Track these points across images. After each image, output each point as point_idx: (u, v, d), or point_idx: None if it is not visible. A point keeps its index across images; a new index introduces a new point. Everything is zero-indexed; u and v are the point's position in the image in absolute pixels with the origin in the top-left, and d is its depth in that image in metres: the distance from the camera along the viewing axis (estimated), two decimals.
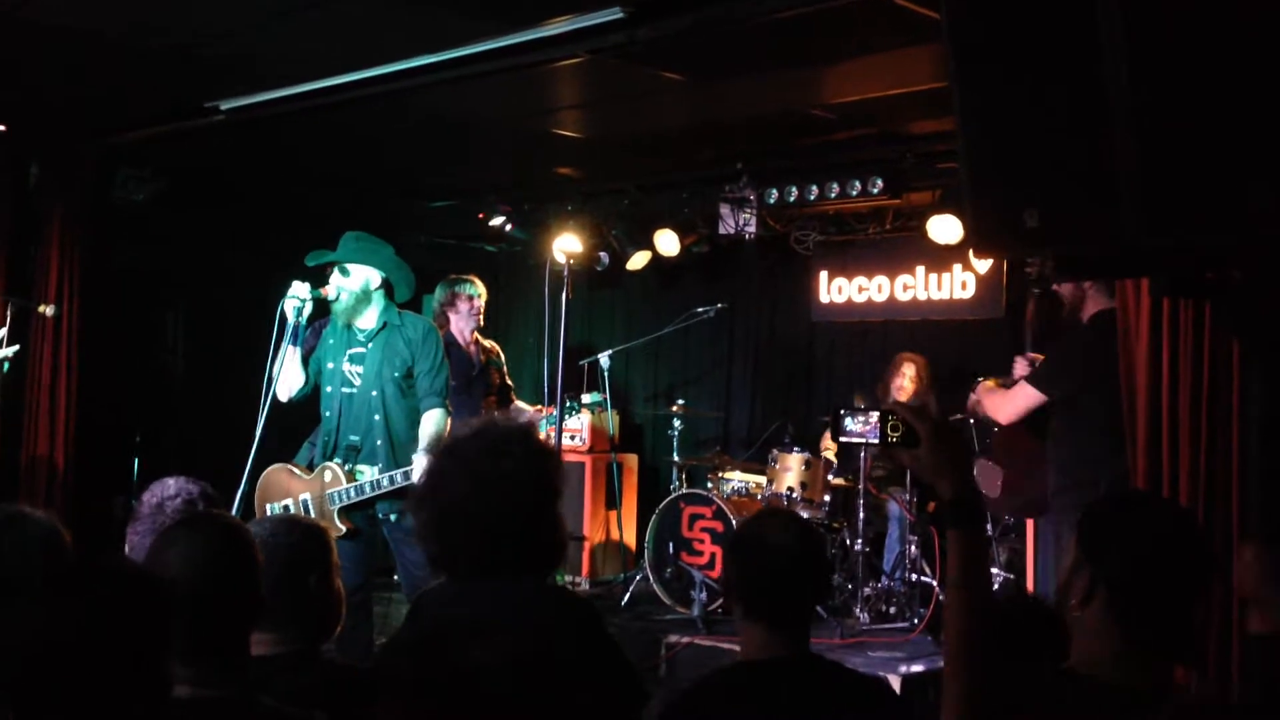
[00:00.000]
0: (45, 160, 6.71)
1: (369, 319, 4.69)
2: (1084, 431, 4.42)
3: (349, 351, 4.70)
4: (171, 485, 2.71)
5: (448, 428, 4.68)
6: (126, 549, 2.71)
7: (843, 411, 2.11)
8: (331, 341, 4.76)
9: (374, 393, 4.61)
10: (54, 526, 2.43)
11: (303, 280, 4.58)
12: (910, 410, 1.98)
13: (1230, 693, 3.66)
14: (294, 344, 4.57)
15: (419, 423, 4.65)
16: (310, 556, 2.39)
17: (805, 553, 2.37)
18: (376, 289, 4.69)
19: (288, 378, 4.63)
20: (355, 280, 4.64)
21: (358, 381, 4.65)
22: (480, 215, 8.04)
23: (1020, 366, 4.83)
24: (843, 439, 2.13)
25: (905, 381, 6.67)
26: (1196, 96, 2.58)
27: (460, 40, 4.73)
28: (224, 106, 5.78)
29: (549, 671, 1.50)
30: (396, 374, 4.63)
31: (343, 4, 4.29)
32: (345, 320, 4.67)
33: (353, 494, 4.53)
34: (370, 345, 4.66)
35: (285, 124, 5.97)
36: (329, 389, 4.71)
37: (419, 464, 4.45)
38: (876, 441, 2.04)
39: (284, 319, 4.51)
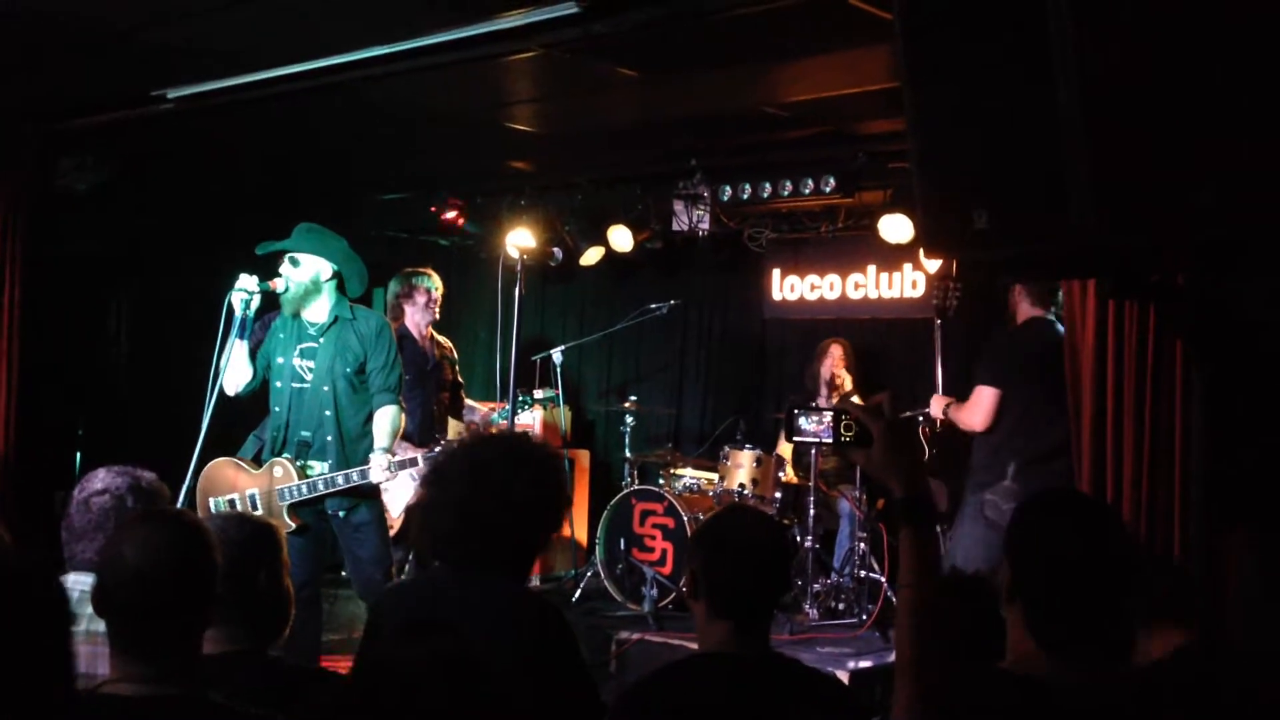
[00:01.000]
0: None
1: (319, 312, 4.63)
2: (1001, 424, 4.74)
3: (300, 346, 4.64)
4: (100, 480, 2.63)
5: (401, 424, 4.65)
6: (62, 544, 2.65)
7: (797, 411, 2.12)
8: (282, 335, 4.68)
9: (325, 388, 4.55)
10: None
11: (250, 273, 4.51)
12: (863, 409, 1.99)
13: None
14: (241, 337, 4.51)
15: (370, 418, 4.61)
16: (260, 554, 2.36)
17: (772, 549, 2.38)
18: (327, 280, 4.62)
19: (235, 371, 4.57)
20: (305, 271, 4.57)
21: (309, 376, 4.59)
22: (432, 208, 7.98)
23: (936, 404, 5.17)
24: (797, 439, 2.14)
25: (837, 364, 6.76)
26: (1146, 97, 2.61)
27: (414, 32, 4.69)
28: (171, 95, 5.69)
29: (487, 675, 1.49)
30: (349, 369, 4.58)
31: None
32: (292, 311, 4.61)
33: (304, 490, 4.48)
34: (322, 340, 4.60)
35: (234, 113, 5.88)
36: (279, 384, 4.64)
37: (376, 463, 4.42)
38: (830, 441, 2.04)
39: (231, 312, 4.45)
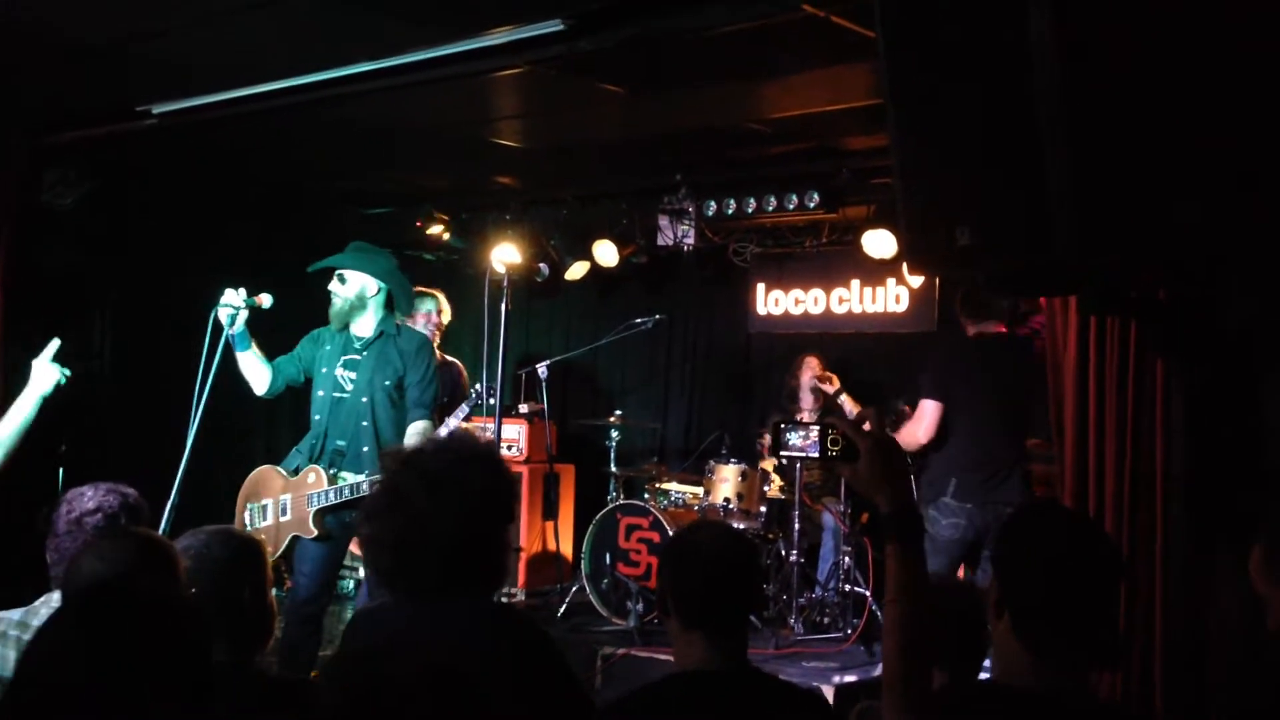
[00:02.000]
0: None
1: (365, 327, 4.77)
2: (946, 438, 4.90)
3: (344, 358, 4.78)
4: (89, 499, 2.62)
5: (429, 435, 4.71)
6: (49, 563, 2.64)
7: (783, 426, 2.13)
8: (328, 347, 4.83)
9: (364, 399, 4.65)
10: None
11: (235, 288, 4.55)
12: (849, 424, 2.01)
13: (1154, 694, 3.76)
14: (240, 350, 4.60)
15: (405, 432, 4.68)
16: (244, 570, 2.36)
17: (737, 559, 2.37)
18: (373, 297, 4.77)
19: (255, 376, 4.75)
20: (351, 287, 4.74)
21: (349, 387, 4.72)
22: (418, 223, 7.99)
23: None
24: (783, 454, 2.15)
25: (811, 371, 6.78)
26: (1127, 118, 2.64)
27: (400, 48, 4.71)
28: (156, 110, 5.69)
29: (471, 693, 1.49)
30: (388, 383, 4.69)
31: (280, 8, 4.25)
32: (340, 325, 4.76)
33: (331, 496, 4.55)
34: (365, 353, 4.75)
35: (219, 128, 5.88)
36: (320, 393, 4.77)
37: None
38: (816, 456, 2.06)
39: (218, 327, 4.47)
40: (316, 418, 4.75)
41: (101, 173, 6.86)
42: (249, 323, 4.61)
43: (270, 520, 4.69)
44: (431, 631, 2.16)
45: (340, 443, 4.68)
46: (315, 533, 4.53)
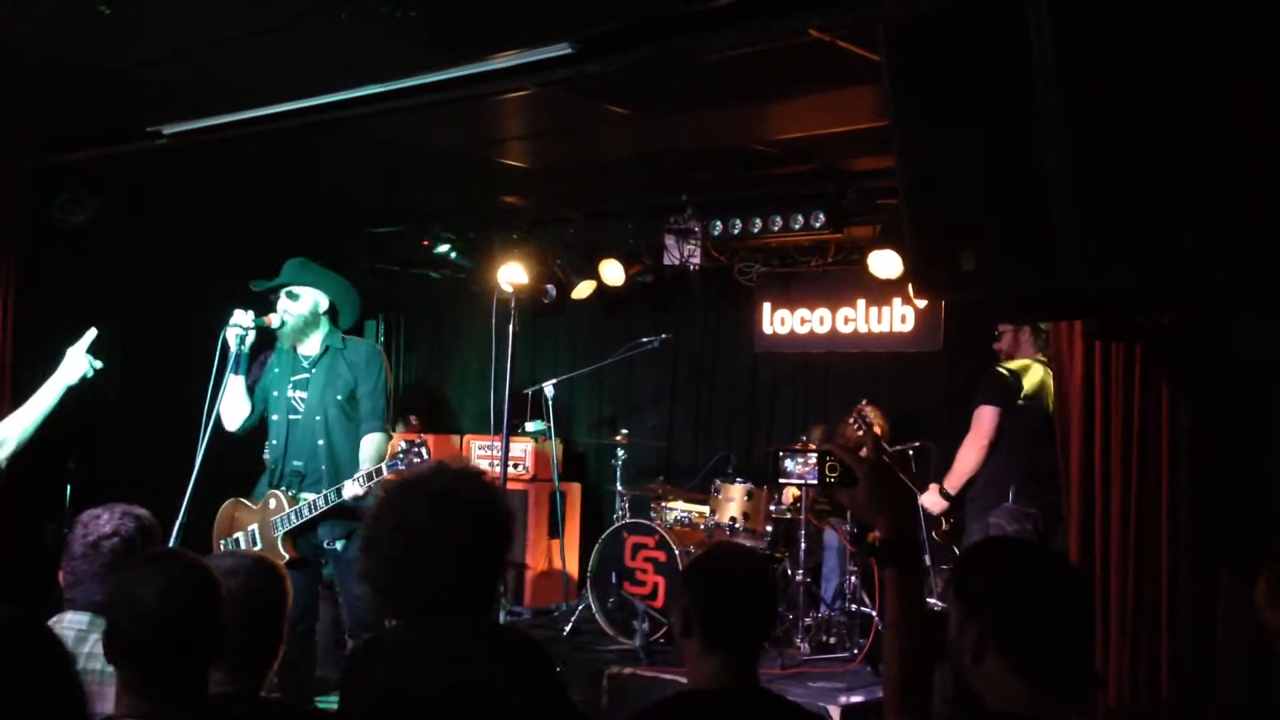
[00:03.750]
0: None
1: (313, 344, 4.70)
2: (999, 448, 5.17)
3: (294, 378, 4.71)
4: (105, 522, 2.64)
5: (387, 450, 4.67)
6: (62, 584, 2.66)
7: (781, 453, 2.16)
8: (277, 370, 4.75)
9: (317, 417, 4.60)
10: None
11: (245, 309, 4.56)
12: (847, 451, 2.03)
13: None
14: (237, 373, 4.55)
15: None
16: (276, 599, 2.38)
17: (766, 583, 2.42)
18: (324, 313, 4.71)
19: (234, 407, 4.62)
20: (304, 304, 4.67)
21: (302, 407, 4.64)
22: (425, 242, 8.02)
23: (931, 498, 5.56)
24: (782, 480, 2.17)
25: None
26: (1132, 143, 2.67)
27: (409, 71, 4.74)
28: (166, 131, 5.73)
29: (493, 705, 1.51)
30: (339, 397, 4.62)
31: (291, 32, 4.28)
32: (291, 343, 4.67)
33: (292, 518, 4.50)
34: (314, 370, 4.66)
35: (229, 148, 5.92)
36: (275, 416, 4.71)
37: (349, 485, 4.41)
38: (815, 482, 2.08)
39: (226, 348, 4.49)
40: (274, 442, 4.71)
41: (111, 192, 6.91)
42: (253, 345, 4.59)
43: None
44: (443, 650, 2.18)
45: (298, 463, 4.64)
46: (286, 557, 4.50)
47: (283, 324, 4.62)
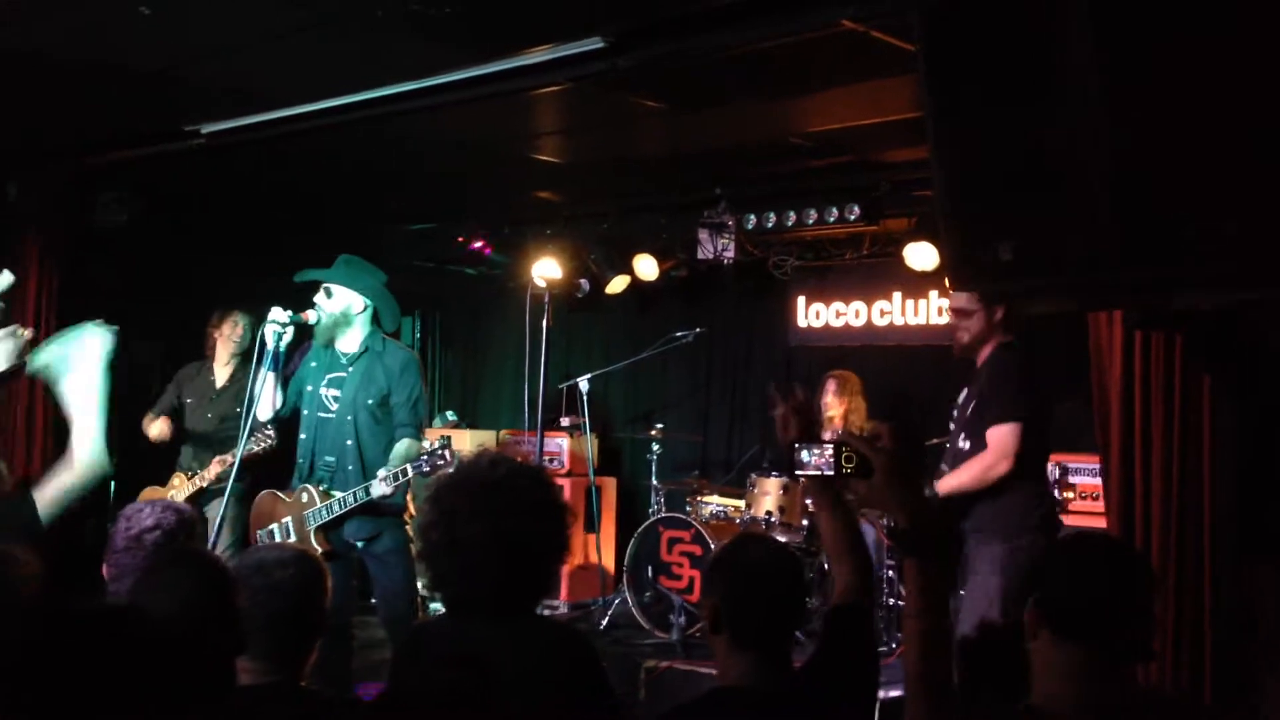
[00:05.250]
0: (23, 181, 6.68)
1: (350, 343, 4.71)
2: (1022, 464, 4.15)
3: (329, 376, 4.72)
4: (148, 516, 2.69)
5: (417, 453, 4.64)
6: (106, 579, 2.70)
7: (798, 445, 2.15)
8: (314, 364, 4.78)
9: (349, 417, 4.61)
10: (29, 564, 2.39)
11: (284, 307, 4.59)
12: (864, 441, 2.02)
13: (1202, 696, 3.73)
14: (272, 369, 4.58)
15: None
16: (312, 591, 2.41)
17: (791, 578, 2.38)
18: (359, 314, 4.71)
19: (266, 400, 4.66)
20: (337, 302, 4.67)
21: (334, 406, 4.66)
22: (459, 239, 8.06)
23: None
24: (799, 472, 2.16)
25: (829, 397, 6.75)
26: (1167, 130, 2.63)
27: (443, 67, 4.76)
28: (205, 130, 5.79)
29: (510, 705, 1.52)
30: (371, 401, 4.63)
31: (326, 30, 4.32)
32: (323, 340, 4.70)
33: (324, 513, 4.52)
34: (350, 370, 4.68)
35: (265, 147, 5.97)
36: (306, 412, 4.73)
37: (377, 485, 4.42)
38: (832, 474, 2.07)
39: (264, 344, 4.52)
40: (303, 437, 4.72)
41: (151, 193, 6.99)
42: (290, 343, 4.60)
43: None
44: (486, 647, 2.19)
45: (329, 459, 4.66)
46: (319, 550, 4.52)
47: (318, 320, 4.65)
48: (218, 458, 5.76)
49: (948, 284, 4.65)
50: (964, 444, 4.23)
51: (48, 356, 3.32)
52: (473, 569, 2.25)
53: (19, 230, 6.68)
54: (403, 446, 4.58)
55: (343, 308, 4.67)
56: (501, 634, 2.24)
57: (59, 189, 6.69)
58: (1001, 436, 4.03)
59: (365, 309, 4.71)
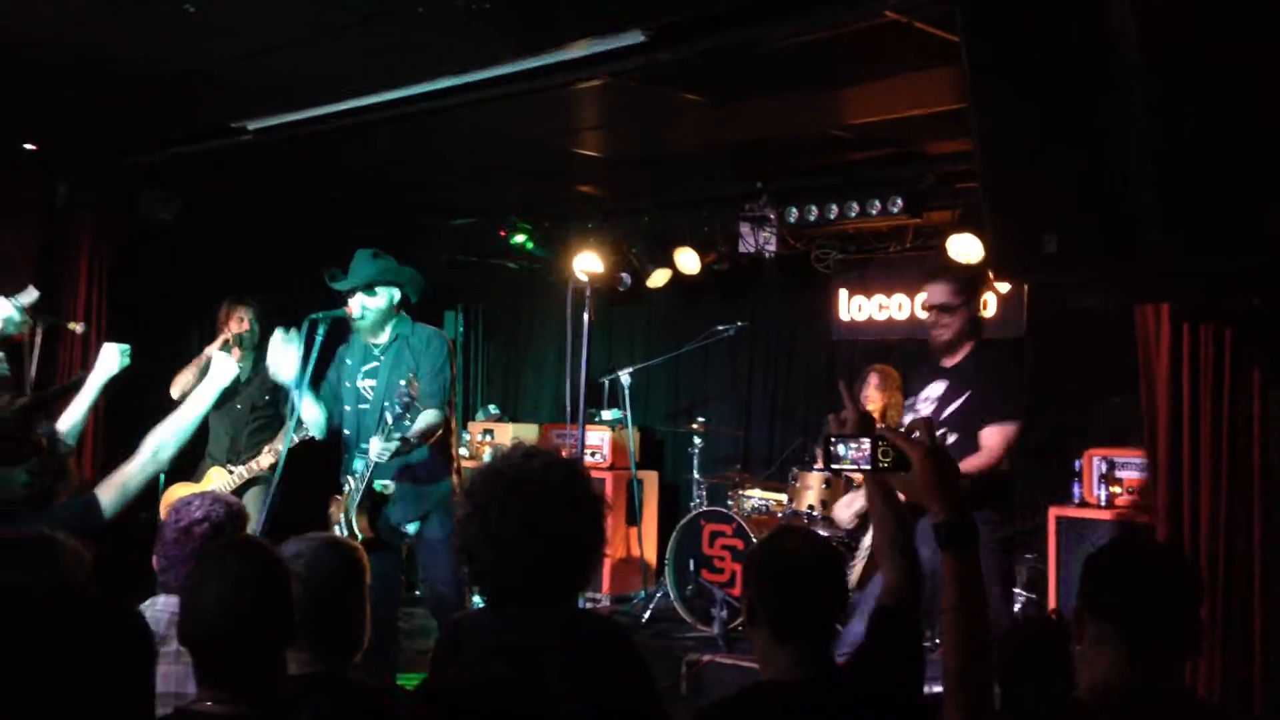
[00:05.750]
0: (74, 179, 6.80)
1: (384, 334, 4.79)
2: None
3: (364, 367, 4.80)
4: (196, 508, 2.73)
5: (437, 428, 4.63)
6: (156, 568, 2.75)
7: (833, 439, 2.14)
8: (349, 361, 4.85)
9: (384, 404, 4.66)
10: (79, 553, 2.44)
11: (325, 300, 4.64)
12: (900, 435, 2.01)
13: (1253, 693, 3.67)
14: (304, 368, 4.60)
15: (431, 436, 4.67)
16: (350, 579, 2.43)
17: (830, 571, 2.38)
18: (394, 304, 4.79)
19: (309, 416, 4.72)
20: (381, 299, 4.73)
21: (370, 396, 4.73)
22: (501, 233, 8.10)
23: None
24: (835, 466, 2.15)
25: (870, 390, 6.70)
26: (1213, 122, 2.60)
27: (484, 63, 4.78)
28: (251, 127, 5.85)
29: (545, 699, 1.53)
30: (403, 382, 4.68)
31: (369, 28, 4.35)
32: (371, 336, 4.75)
33: (356, 495, 4.53)
34: (383, 359, 4.75)
35: (309, 143, 6.03)
36: (347, 407, 4.80)
37: (374, 445, 4.43)
38: (869, 468, 2.06)
39: (310, 339, 4.56)
40: (346, 432, 4.78)
41: (195, 189, 7.08)
42: (328, 333, 4.64)
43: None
44: (526, 638, 2.20)
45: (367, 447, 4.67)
46: (361, 536, 4.56)
47: (362, 317, 4.69)
48: (269, 447, 5.79)
49: (991, 276, 4.62)
50: (946, 440, 4.23)
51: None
52: (509, 562, 2.26)
53: (70, 227, 6.80)
54: (423, 419, 4.59)
55: (387, 301, 4.74)
56: (541, 625, 2.25)
57: (108, 187, 6.80)
58: (1005, 435, 4.17)
59: (397, 298, 4.78)
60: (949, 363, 4.45)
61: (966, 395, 4.25)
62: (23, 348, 6.02)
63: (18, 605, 1.58)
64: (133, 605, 2.15)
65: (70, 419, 4.07)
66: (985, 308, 4.38)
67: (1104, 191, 2.72)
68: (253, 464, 5.80)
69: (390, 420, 4.41)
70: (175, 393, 5.95)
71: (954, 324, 4.35)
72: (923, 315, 7.31)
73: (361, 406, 4.72)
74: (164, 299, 7.20)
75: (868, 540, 4.29)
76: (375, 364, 4.76)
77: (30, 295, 4.82)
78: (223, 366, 3.99)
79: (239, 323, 6.19)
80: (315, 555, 2.38)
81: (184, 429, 3.74)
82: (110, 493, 3.39)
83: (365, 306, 4.69)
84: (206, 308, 6.71)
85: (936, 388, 4.43)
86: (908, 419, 4.44)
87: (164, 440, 3.63)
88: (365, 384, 4.75)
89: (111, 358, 4.19)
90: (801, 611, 2.28)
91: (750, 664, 5.42)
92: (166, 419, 3.78)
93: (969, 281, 4.52)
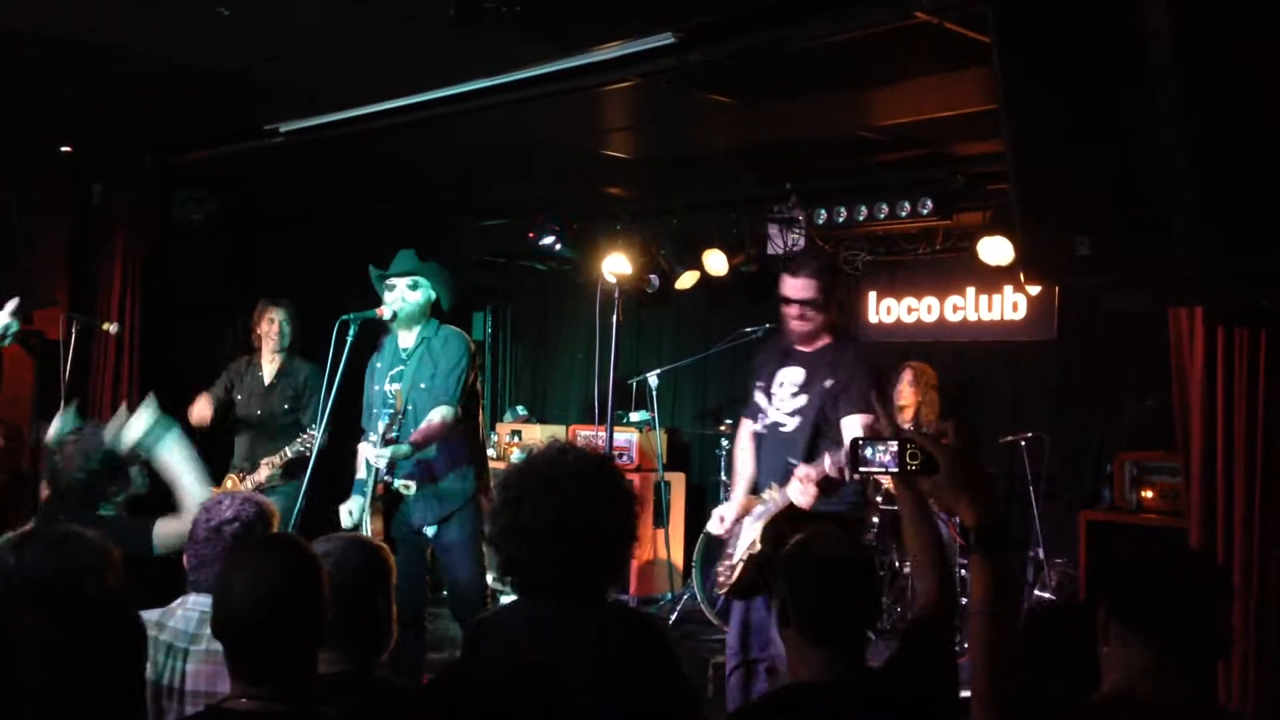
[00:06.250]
0: (108, 180, 6.87)
1: (412, 337, 4.85)
2: None
3: (391, 371, 4.86)
4: (227, 507, 2.75)
5: (440, 425, 4.63)
6: (187, 567, 2.77)
7: (861, 441, 2.13)
8: (379, 365, 4.92)
9: (408, 407, 4.70)
10: (104, 546, 2.46)
11: (358, 298, 4.69)
12: (928, 438, 2.00)
13: None
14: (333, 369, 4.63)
15: (452, 439, 4.72)
16: (376, 578, 2.44)
17: (863, 572, 2.38)
18: (429, 304, 4.86)
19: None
20: (419, 294, 4.82)
21: (394, 399, 4.77)
22: (530, 234, 8.12)
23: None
24: (862, 469, 2.14)
25: (904, 386, 6.67)
26: (1248, 121, 2.57)
27: (515, 64, 4.80)
28: (283, 129, 5.90)
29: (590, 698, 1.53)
30: (423, 384, 4.75)
31: (401, 30, 4.37)
32: (406, 328, 4.83)
33: (368, 493, 4.57)
34: (408, 362, 4.80)
35: (338, 145, 6.07)
36: (375, 410, 4.85)
37: (370, 450, 4.51)
38: (896, 471, 2.05)
39: (342, 337, 4.59)
40: (373, 436, 4.77)
41: (227, 189, 7.14)
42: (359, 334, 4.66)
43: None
44: (552, 635, 2.21)
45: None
46: (380, 539, 4.59)
47: (395, 313, 4.73)
48: (266, 459, 5.70)
49: (1022, 278, 4.59)
50: (788, 425, 4.29)
51: (135, 436, 3.59)
52: (541, 554, 2.28)
53: (104, 228, 6.87)
54: (436, 414, 4.61)
55: (425, 297, 4.82)
56: (569, 619, 2.26)
57: (141, 188, 6.87)
58: (865, 425, 4.13)
59: (433, 299, 4.86)
60: (807, 348, 4.41)
61: (827, 383, 4.26)
62: (58, 347, 6.11)
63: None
64: (133, 610, 2.19)
65: (188, 480, 3.81)
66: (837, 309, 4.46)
67: (1137, 192, 2.69)
68: (257, 475, 5.68)
69: (381, 428, 4.48)
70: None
71: (817, 319, 4.35)
72: (953, 318, 7.34)
73: (387, 410, 4.76)
74: (196, 299, 7.26)
75: (744, 548, 4.26)
76: (401, 367, 4.82)
77: (12, 303, 4.86)
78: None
79: (269, 324, 6.18)
80: (342, 554, 2.39)
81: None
82: (167, 528, 3.43)
83: (405, 300, 4.77)
84: (239, 308, 6.75)
85: (795, 374, 4.40)
86: (758, 398, 4.46)
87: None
88: (391, 388, 4.80)
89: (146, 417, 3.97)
90: (835, 613, 2.28)
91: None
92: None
93: (832, 279, 4.48)
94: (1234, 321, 3.54)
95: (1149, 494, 5.69)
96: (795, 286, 4.34)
